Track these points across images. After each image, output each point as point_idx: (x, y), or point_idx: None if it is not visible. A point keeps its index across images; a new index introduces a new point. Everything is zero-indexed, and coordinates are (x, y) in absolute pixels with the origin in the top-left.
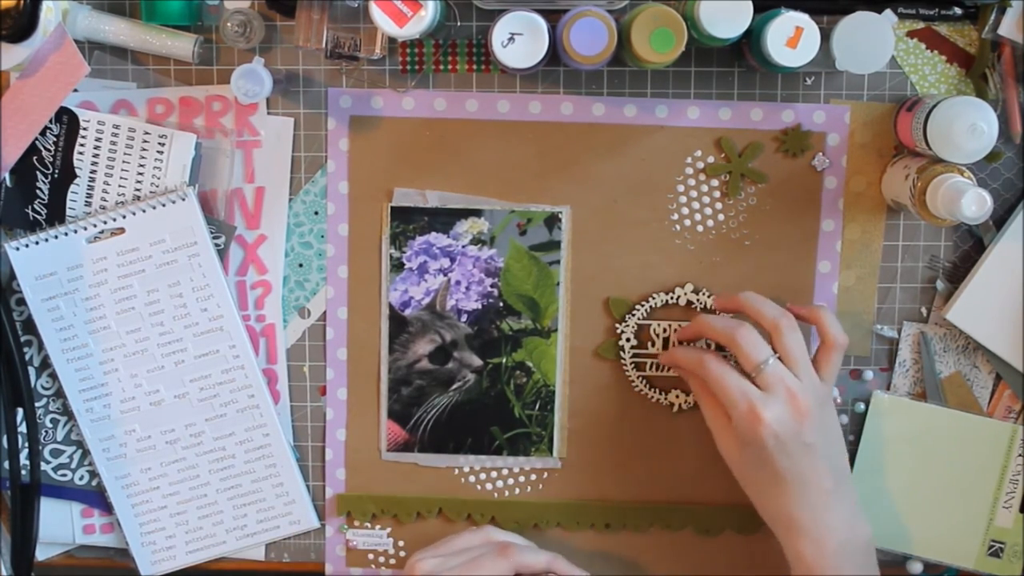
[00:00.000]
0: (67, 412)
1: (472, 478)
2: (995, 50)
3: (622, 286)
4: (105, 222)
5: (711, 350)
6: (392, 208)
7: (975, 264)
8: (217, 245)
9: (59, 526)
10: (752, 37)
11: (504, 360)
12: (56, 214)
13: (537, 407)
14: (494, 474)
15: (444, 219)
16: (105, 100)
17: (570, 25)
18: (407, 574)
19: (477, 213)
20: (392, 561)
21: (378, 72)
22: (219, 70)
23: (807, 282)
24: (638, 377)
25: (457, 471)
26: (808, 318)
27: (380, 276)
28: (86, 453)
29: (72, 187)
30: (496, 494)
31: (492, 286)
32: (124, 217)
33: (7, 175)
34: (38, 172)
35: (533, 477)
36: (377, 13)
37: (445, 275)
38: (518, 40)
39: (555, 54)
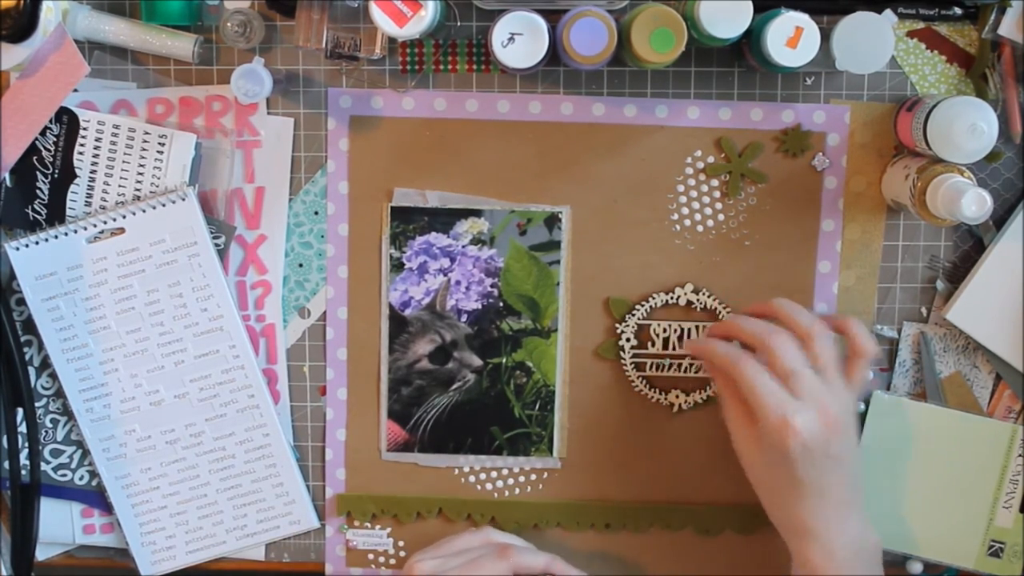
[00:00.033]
0: (67, 412)
1: (472, 478)
2: (995, 50)
3: (622, 286)
4: (105, 222)
5: (748, 353)
6: (392, 208)
7: (975, 264)
8: (217, 245)
9: (59, 526)
10: (752, 37)
11: (504, 360)
12: (56, 214)
13: (537, 407)
14: (494, 474)
15: (444, 219)
16: (105, 100)
17: (570, 25)
18: (406, 575)
19: (477, 213)
20: (392, 561)
21: (378, 72)
22: (219, 70)
23: (807, 282)
24: (638, 377)
25: (457, 471)
26: (837, 327)
27: (380, 276)
28: (86, 453)
29: (72, 187)
30: (496, 494)
31: (492, 286)
32: (124, 217)
33: (7, 175)
34: (38, 172)
35: (533, 477)
36: (377, 13)
37: (445, 275)
38: (518, 40)
39: (555, 54)
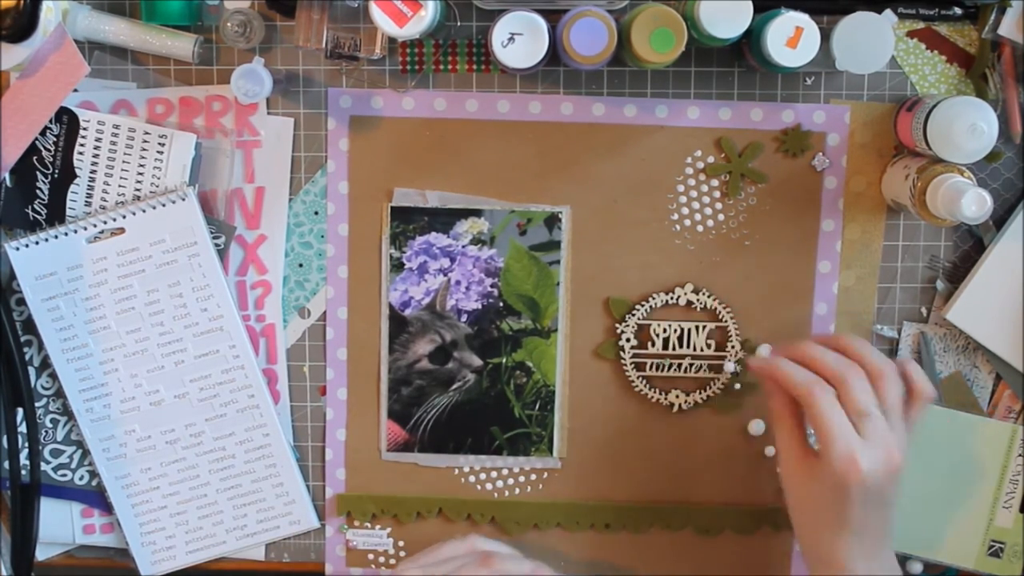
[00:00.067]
0: (67, 412)
1: (472, 478)
2: (995, 50)
3: (622, 286)
4: (105, 222)
5: (824, 383)
6: (392, 208)
7: (975, 264)
8: (217, 245)
9: (59, 526)
10: (752, 37)
11: (504, 360)
12: (56, 214)
13: (537, 407)
14: (494, 474)
15: (444, 219)
16: (105, 100)
17: (570, 25)
18: None
19: (477, 213)
20: (392, 561)
21: (378, 72)
22: (219, 70)
23: (807, 282)
24: (638, 377)
25: (457, 471)
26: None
27: (380, 276)
28: (86, 453)
29: (72, 187)
30: (496, 494)
31: (492, 286)
32: (124, 217)
33: (7, 175)
34: (38, 172)
35: (533, 477)
36: (377, 13)
37: (445, 275)
38: (518, 40)
39: (555, 54)
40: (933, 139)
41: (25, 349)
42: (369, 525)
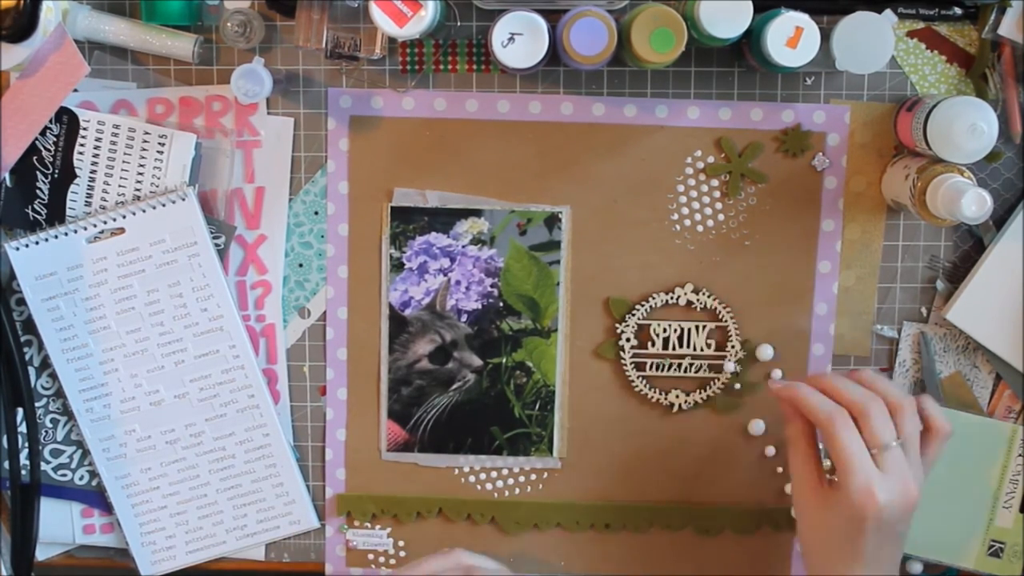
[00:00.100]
0: (67, 412)
1: (472, 478)
2: (995, 50)
3: (622, 286)
4: (105, 222)
5: (844, 410)
6: (392, 208)
7: (975, 264)
8: (217, 245)
9: (59, 526)
10: (752, 37)
11: (504, 360)
12: (56, 214)
13: (537, 407)
14: (494, 474)
15: (444, 219)
16: (105, 100)
17: (570, 25)
18: None
19: (477, 213)
20: (392, 561)
21: (378, 72)
22: (219, 70)
23: (807, 282)
24: (638, 377)
25: (457, 471)
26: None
27: (380, 276)
28: (86, 453)
29: (72, 187)
30: (496, 494)
31: (492, 286)
32: (124, 217)
33: (7, 175)
34: (38, 172)
35: (533, 477)
36: (377, 13)
37: (445, 275)
38: (518, 40)
39: (555, 54)
40: (933, 139)
41: (25, 349)
42: (369, 525)
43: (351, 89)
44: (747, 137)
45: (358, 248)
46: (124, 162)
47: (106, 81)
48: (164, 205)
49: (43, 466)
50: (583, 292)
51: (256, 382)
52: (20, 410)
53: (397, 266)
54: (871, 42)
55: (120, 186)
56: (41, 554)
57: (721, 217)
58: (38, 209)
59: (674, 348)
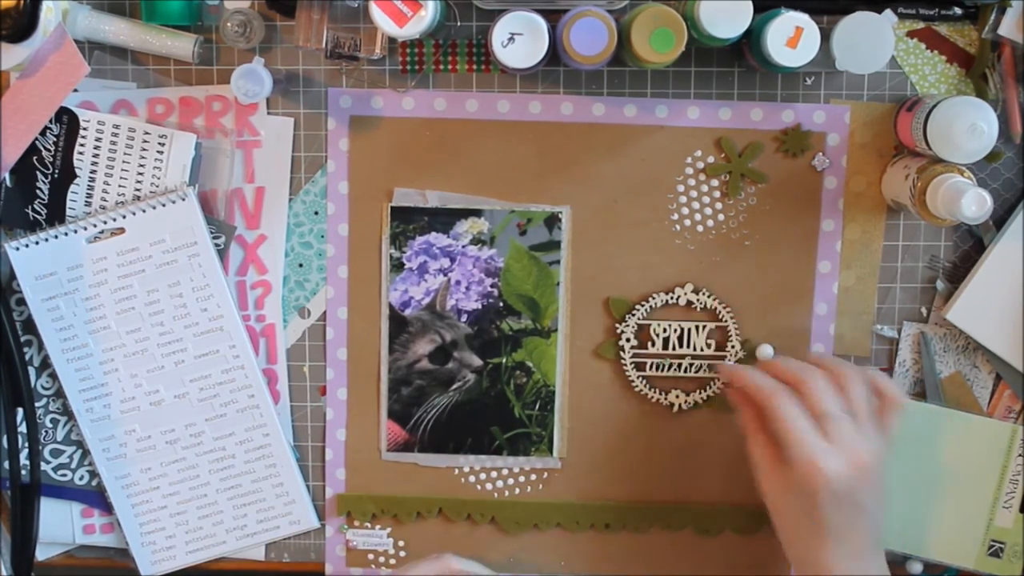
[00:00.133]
0: (67, 412)
1: (472, 478)
2: (995, 50)
3: (622, 286)
4: (105, 222)
5: (784, 387)
6: (392, 208)
7: (975, 264)
8: (217, 245)
9: (59, 526)
10: (752, 37)
11: (504, 360)
12: (56, 214)
13: (537, 407)
14: (494, 474)
15: (444, 219)
16: (105, 100)
17: (570, 25)
18: None
19: (477, 213)
20: (392, 561)
21: (378, 72)
22: (219, 70)
23: (807, 282)
24: (638, 377)
25: (457, 471)
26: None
27: (380, 276)
28: (86, 453)
29: (72, 187)
30: (496, 494)
31: (492, 286)
32: (124, 217)
33: (7, 175)
34: (38, 172)
35: (533, 477)
36: (377, 13)
37: (445, 275)
38: (518, 40)
39: (555, 54)
40: (933, 139)
41: (25, 349)
42: (369, 525)
43: (351, 89)
44: (747, 137)
45: (358, 248)
46: (124, 162)
47: (106, 81)
48: (164, 205)
49: (43, 466)
50: (583, 292)
51: (256, 382)
52: (20, 410)
53: (397, 266)
54: (871, 42)
55: (120, 186)
56: (41, 554)
57: (721, 217)
58: (38, 209)
59: (674, 348)
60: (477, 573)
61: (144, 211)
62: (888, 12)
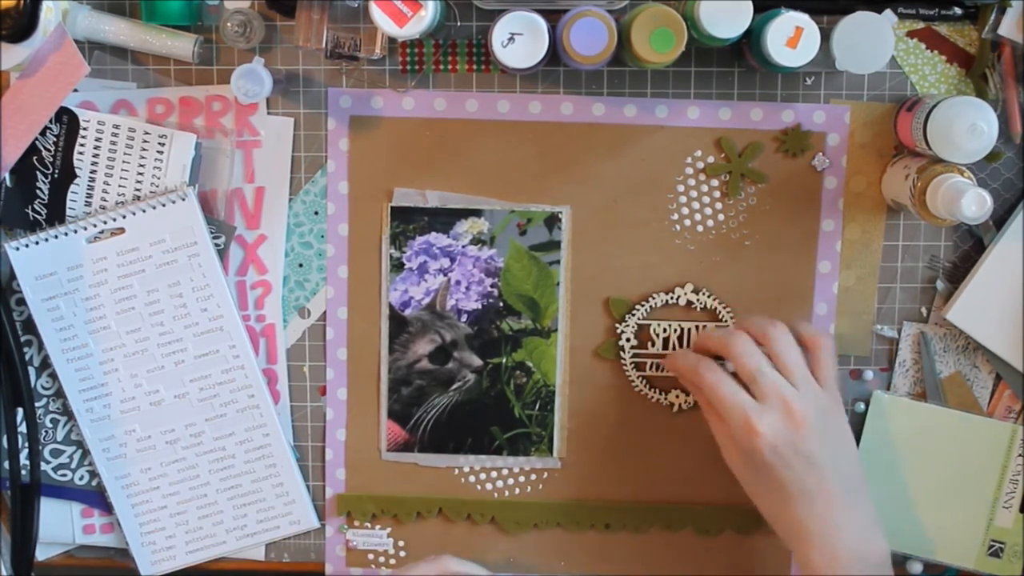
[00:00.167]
0: (67, 412)
1: (472, 478)
2: (995, 50)
3: (622, 286)
4: (105, 222)
5: (709, 358)
6: (392, 208)
7: (975, 264)
8: (217, 245)
9: (59, 526)
10: (752, 37)
11: (504, 360)
12: (56, 214)
13: (537, 407)
14: (494, 474)
15: (444, 219)
16: (105, 100)
17: (570, 25)
18: None
19: (477, 213)
20: (392, 561)
21: (378, 72)
22: (219, 70)
23: (807, 282)
24: (638, 377)
25: (457, 471)
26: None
27: (380, 276)
28: (86, 453)
29: (72, 187)
30: (496, 494)
31: (492, 286)
32: (124, 217)
33: (7, 175)
34: (38, 172)
35: (533, 477)
36: (377, 13)
37: (445, 275)
38: (518, 40)
39: (555, 54)
40: (933, 139)
41: (25, 349)
42: (369, 525)
43: (351, 89)
44: (747, 137)
45: (358, 248)
46: (124, 162)
47: (106, 81)
48: (164, 205)
49: (43, 466)
50: (583, 292)
51: (256, 382)
52: (20, 410)
53: (397, 266)
54: (871, 42)
55: (120, 186)
56: (41, 554)
57: (721, 217)
58: (38, 209)
59: (674, 348)
60: (475, 574)
61: (144, 211)
62: (888, 12)
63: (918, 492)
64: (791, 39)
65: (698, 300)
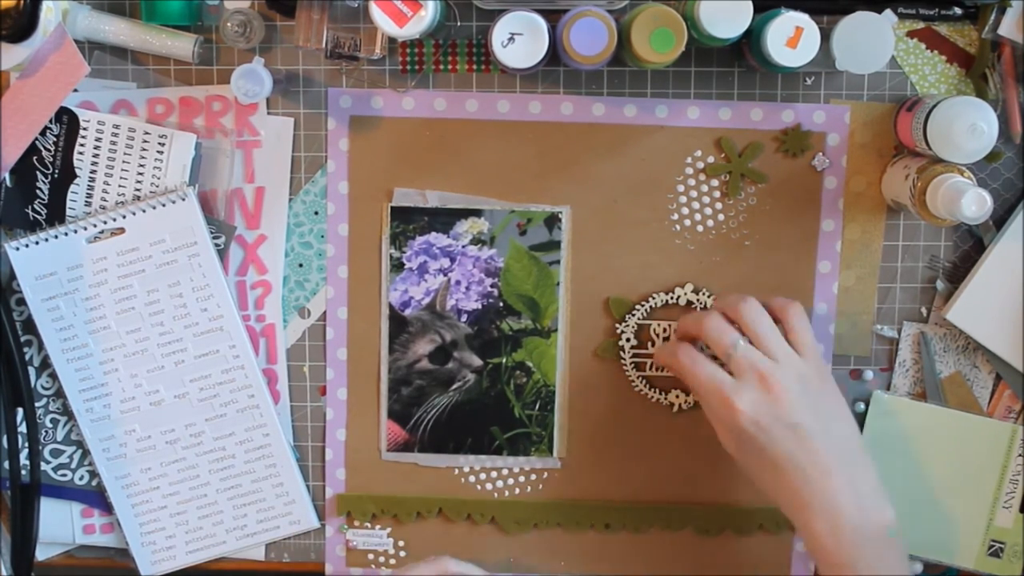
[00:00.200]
0: (67, 412)
1: (472, 478)
2: (995, 50)
3: (622, 286)
4: (105, 222)
5: (686, 343)
6: (392, 208)
7: (975, 264)
8: (217, 245)
9: (59, 526)
10: (752, 37)
11: (504, 360)
12: (56, 214)
13: (537, 407)
14: (494, 474)
15: (444, 219)
16: (105, 100)
17: (570, 25)
18: None
19: (477, 213)
20: (392, 561)
21: (378, 72)
22: (219, 70)
23: (807, 282)
24: (638, 377)
25: (457, 471)
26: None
27: (380, 276)
28: (86, 453)
29: (72, 187)
30: (496, 494)
31: (492, 286)
32: (124, 217)
33: (7, 175)
34: (38, 172)
35: (533, 477)
36: (377, 13)
37: (445, 275)
38: (518, 40)
39: (555, 54)
40: (933, 139)
41: (25, 349)
42: (369, 525)
43: (351, 89)
44: (747, 137)
45: (358, 248)
46: (124, 162)
47: (106, 81)
48: (164, 205)
49: (43, 466)
50: (583, 292)
51: (256, 382)
52: (20, 410)
53: (397, 266)
54: (871, 42)
55: (120, 186)
56: (41, 554)
57: (721, 217)
58: (38, 209)
59: None
60: (474, 575)
61: (144, 211)
62: (888, 12)
63: (918, 492)
64: (791, 39)
65: (698, 300)
